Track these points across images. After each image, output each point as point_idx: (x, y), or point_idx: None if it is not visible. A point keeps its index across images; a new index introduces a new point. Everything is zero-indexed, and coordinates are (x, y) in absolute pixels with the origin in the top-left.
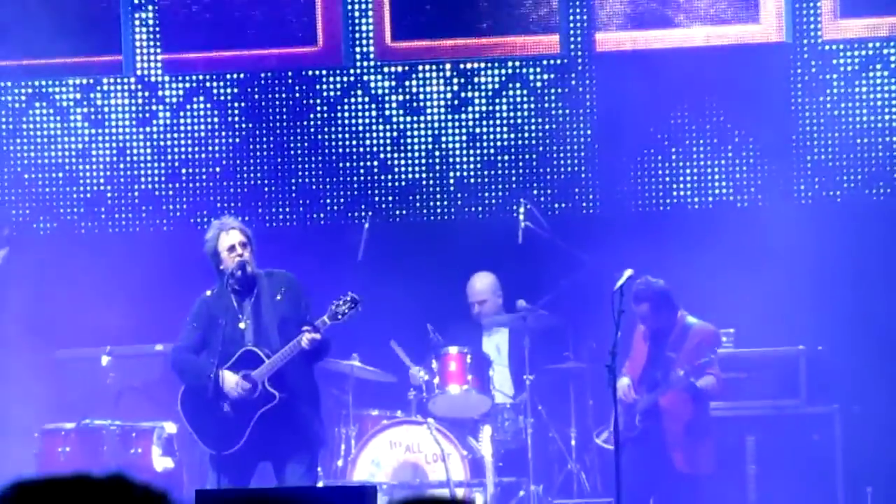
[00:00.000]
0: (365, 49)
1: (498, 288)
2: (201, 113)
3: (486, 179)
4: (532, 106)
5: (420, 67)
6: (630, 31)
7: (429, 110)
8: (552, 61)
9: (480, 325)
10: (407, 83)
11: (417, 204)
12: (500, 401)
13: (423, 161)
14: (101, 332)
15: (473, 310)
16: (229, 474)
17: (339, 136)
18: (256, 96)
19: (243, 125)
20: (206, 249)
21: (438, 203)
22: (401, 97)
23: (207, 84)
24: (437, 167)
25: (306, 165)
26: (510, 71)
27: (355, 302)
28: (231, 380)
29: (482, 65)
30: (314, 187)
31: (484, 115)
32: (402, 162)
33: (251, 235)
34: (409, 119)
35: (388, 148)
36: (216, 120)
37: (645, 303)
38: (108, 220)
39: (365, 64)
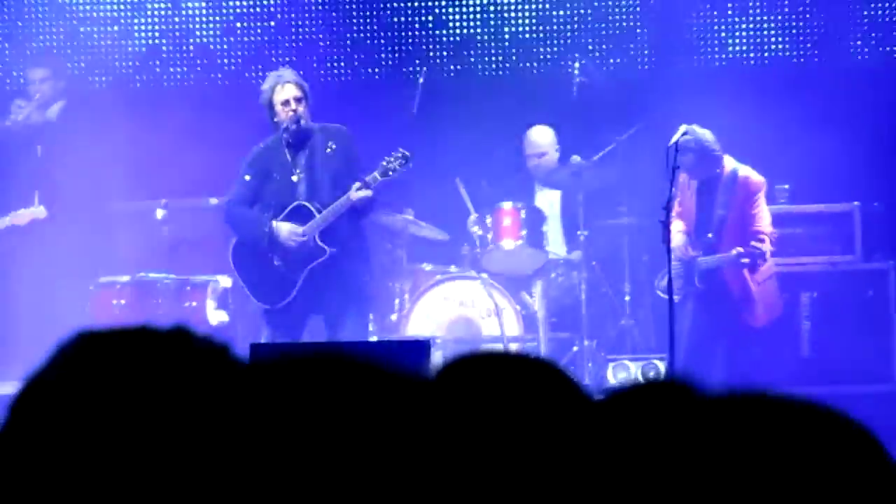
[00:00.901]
0: None
1: (556, 142)
2: None
3: (541, 35)
4: None
5: None
6: None
7: None
8: None
9: (533, 180)
10: None
11: (472, 59)
12: (553, 256)
13: (478, 16)
14: (156, 185)
15: (531, 162)
16: (281, 328)
17: None
18: None
19: None
20: (261, 101)
21: (493, 58)
22: None
23: None
24: (492, 22)
25: (361, 20)
26: None
27: (406, 158)
28: (285, 228)
29: None
30: (368, 42)
31: None
32: (457, 16)
33: (307, 89)
34: None
35: (443, 2)
36: None
37: (689, 153)
38: (163, 73)
39: None
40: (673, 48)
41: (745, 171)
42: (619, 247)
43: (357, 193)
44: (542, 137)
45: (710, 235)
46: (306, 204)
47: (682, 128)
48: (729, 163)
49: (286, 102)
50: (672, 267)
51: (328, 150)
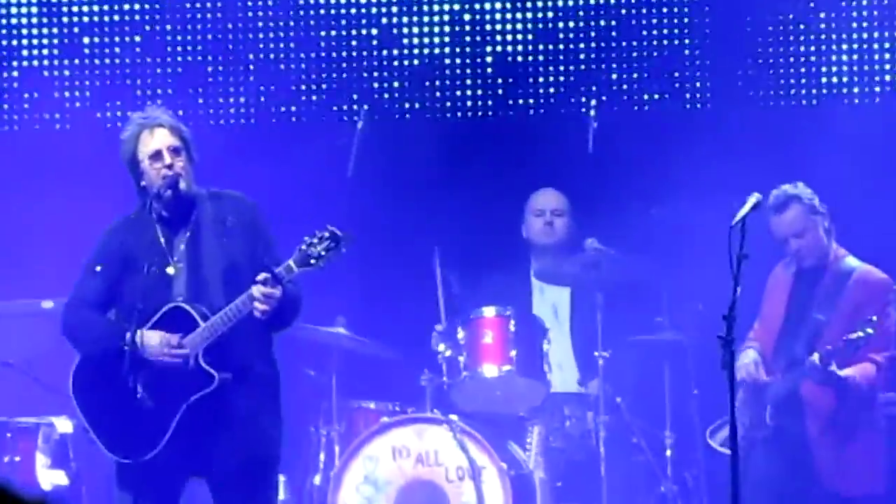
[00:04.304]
0: None
1: (571, 211)
2: None
3: (540, 58)
4: None
5: None
6: None
7: None
8: None
9: (529, 272)
10: None
11: (436, 93)
12: (559, 388)
13: (447, 28)
14: None
15: (536, 227)
16: (145, 495)
17: None
18: None
19: None
20: (120, 155)
21: (470, 91)
22: None
23: None
24: (468, 38)
25: (276, 34)
26: None
27: (336, 239)
28: (154, 339)
29: None
30: (284, 69)
31: None
32: (416, 30)
33: (188, 137)
34: None
35: (402, 10)
36: None
37: (792, 207)
38: None
39: None
40: (736, 78)
41: (865, 268)
42: (657, 375)
43: (262, 290)
44: (554, 198)
45: (797, 349)
46: (186, 307)
47: (753, 198)
48: (842, 254)
49: (157, 155)
50: (737, 403)
51: (222, 228)
